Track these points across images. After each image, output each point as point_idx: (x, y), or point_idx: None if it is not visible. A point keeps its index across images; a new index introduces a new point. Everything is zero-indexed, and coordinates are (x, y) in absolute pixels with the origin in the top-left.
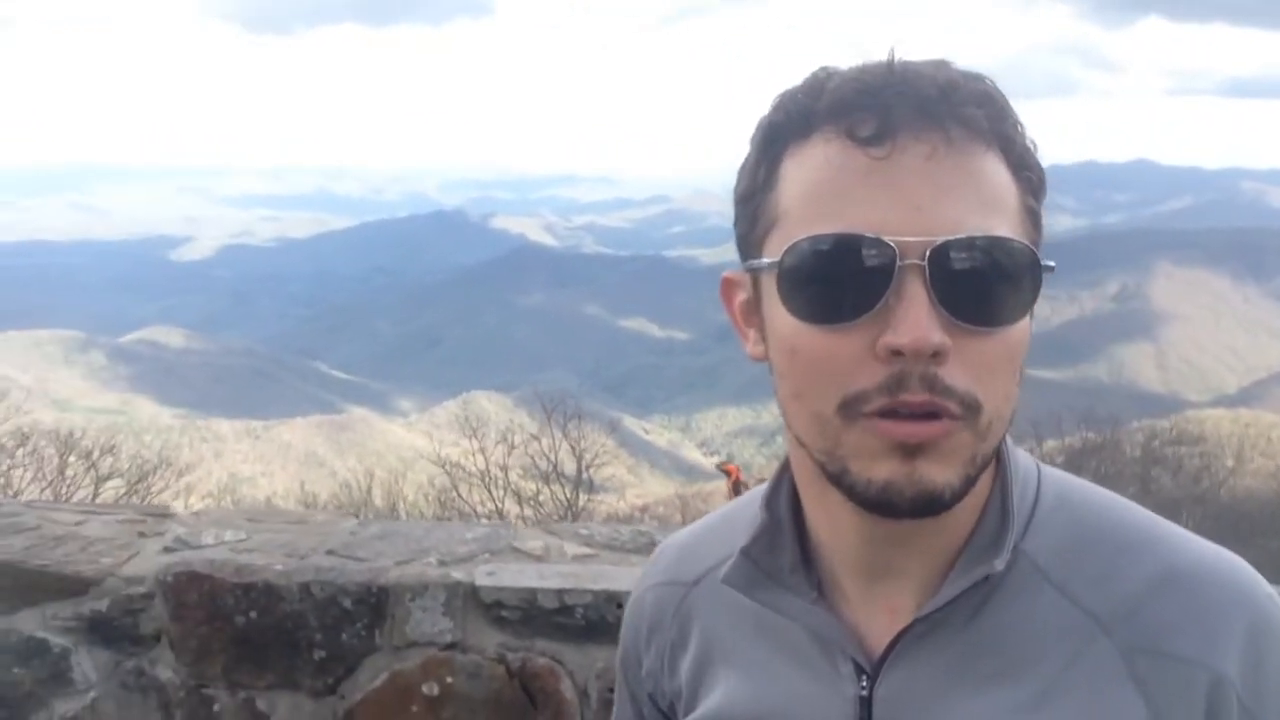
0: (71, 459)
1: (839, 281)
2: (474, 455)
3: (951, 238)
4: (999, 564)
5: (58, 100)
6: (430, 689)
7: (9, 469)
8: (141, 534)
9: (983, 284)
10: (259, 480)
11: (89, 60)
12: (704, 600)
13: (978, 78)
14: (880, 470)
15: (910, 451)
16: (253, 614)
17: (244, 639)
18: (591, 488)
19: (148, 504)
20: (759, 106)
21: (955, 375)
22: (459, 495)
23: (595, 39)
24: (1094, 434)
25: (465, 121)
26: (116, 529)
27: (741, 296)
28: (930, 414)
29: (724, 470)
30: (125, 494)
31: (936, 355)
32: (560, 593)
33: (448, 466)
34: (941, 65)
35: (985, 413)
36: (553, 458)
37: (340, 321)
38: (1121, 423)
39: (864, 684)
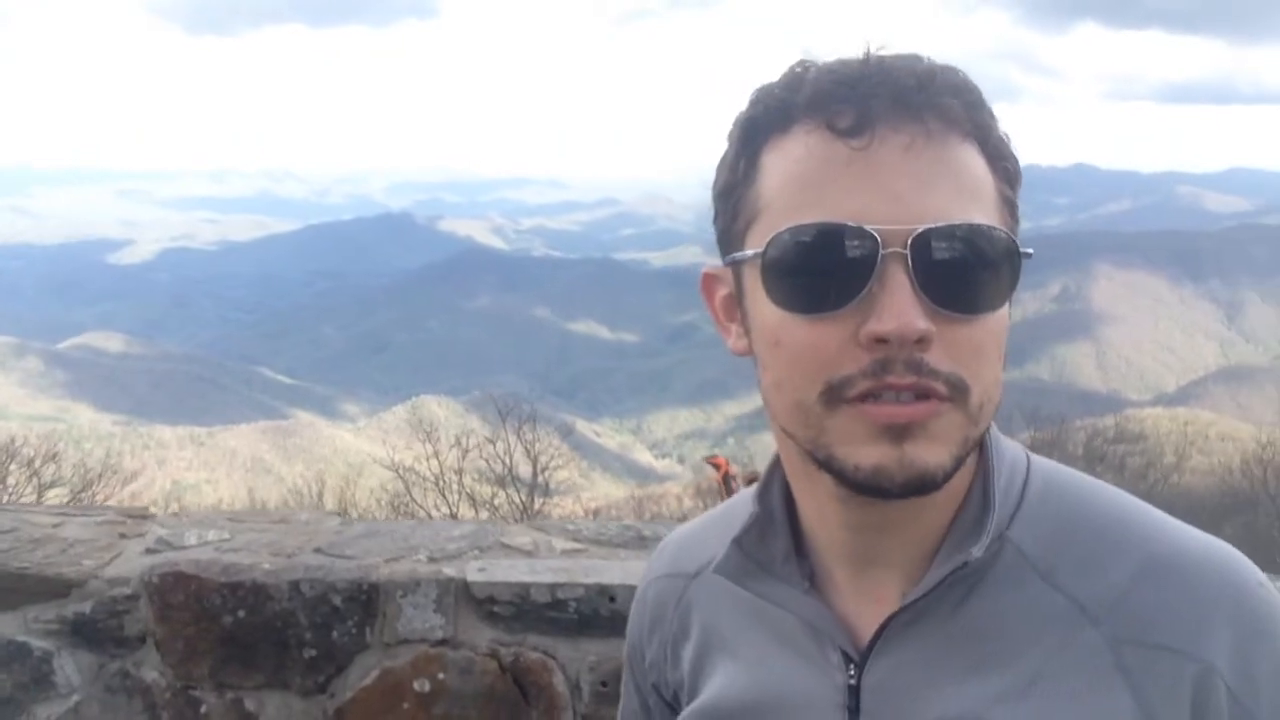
0: (13, 467)
1: (822, 271)
2: (428, 459)
3: (933, 226)
4: (976, 551)
5: None
6: (421, 685)
7: None
8: (122, 535)
9: (964, 271)
10: (204, 488)
11: (26, 62)
12: (703, 592)
13: (953, 70)
14: (869, 455)
15: (898, 434)
16: (241, 613)
17: (232, 639)
18: (547, 491)
19: (127, 506)
20: (705, 110)
21: (940, 360)
22: (413, 499)
23: (543, 42)
24: (1042, 433)
25: (412, 124)
26: (96, 530)
27: (723, 292)
28: (918, 396)
29: (712, 463)
30: (69, 502)
31: (921, 341)
32: (553, 587)
33: (401, 471)
34: (917, 58)
35: (974, 395)
36: (508, 461)
37: (284, 326)
38: (1065, 421)
39: (852, 672)
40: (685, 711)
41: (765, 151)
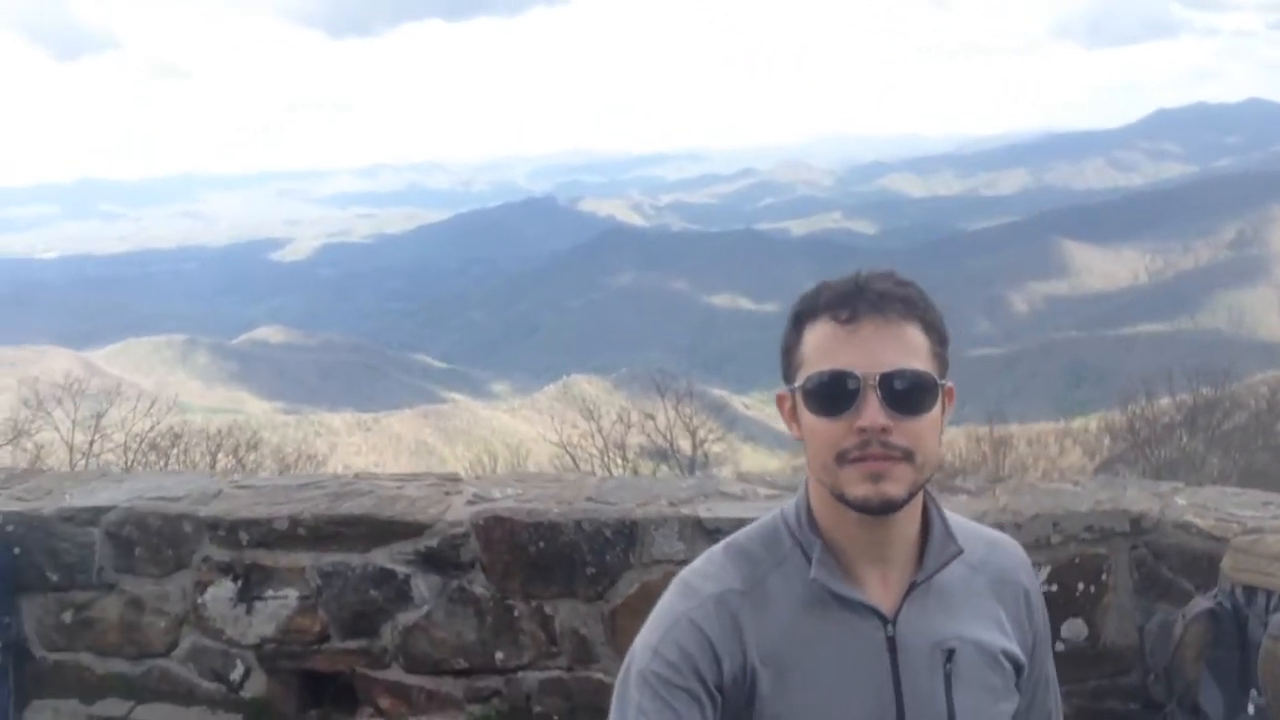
0: (220, 455)
1: (832, 395)
2: (592, 436)
3: (889, 370)
4: (963, 547)
5: (164, 117)
6: None
7: (164, 467)
8: (447, 493)
9: (906, 393)
10: (376, 470)
11: (187, 78)
12: (757, 600)
13: (907, 284)
14: (860, 489)
15: (875, 478)
16: (541, 544)
17: (535, 562)
18: (705, 464)
19: (441, 472)
20: (841, 73)
21: (898, 439)
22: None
23: (672, 16)
24: (1208, 389)
25: (550, 108)
26: (427, 491)
27: (788, 405)
28: (885, 458)
29: None
30: None
31: (884, 430)
32: None
33: (568, 447)
34: (886, 277)
35: (919, 458)
36: (669, 435)
37: (440, 313)
38: (1244, 374)
39: (889, 629)
40: (766, 676)
41: (805, 330)
